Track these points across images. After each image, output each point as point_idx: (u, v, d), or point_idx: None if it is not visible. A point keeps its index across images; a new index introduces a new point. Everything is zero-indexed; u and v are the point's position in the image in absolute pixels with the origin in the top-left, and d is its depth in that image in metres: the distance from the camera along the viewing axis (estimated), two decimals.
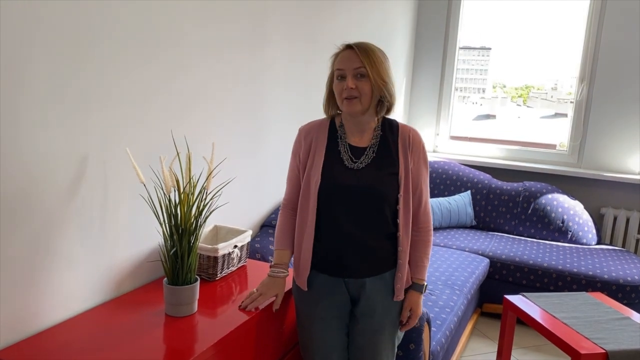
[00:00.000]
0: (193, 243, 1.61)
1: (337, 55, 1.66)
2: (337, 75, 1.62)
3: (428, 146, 4.48)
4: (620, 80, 3.73)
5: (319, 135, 1.70)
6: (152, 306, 1.68)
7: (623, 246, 3.82)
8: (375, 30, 3.61)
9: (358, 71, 1.58)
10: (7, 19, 1.29)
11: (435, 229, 3.76)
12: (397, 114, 4.25)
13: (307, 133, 1.72)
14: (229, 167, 2.23)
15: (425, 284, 1.74)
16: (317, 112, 1.80)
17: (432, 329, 2.24)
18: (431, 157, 4.30)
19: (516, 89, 5.58)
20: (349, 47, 1.62)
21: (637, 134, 3.73)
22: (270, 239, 2.45)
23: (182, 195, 1.58)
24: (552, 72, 4.97)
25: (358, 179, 1.62)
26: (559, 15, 4.28)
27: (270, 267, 1.75)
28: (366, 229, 1.64)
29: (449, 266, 2.99)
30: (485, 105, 5.66)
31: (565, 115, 4.19)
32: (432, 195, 4.04)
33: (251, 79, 2.35)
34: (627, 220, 3.78)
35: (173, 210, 1.58)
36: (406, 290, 1.72)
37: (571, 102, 4.02)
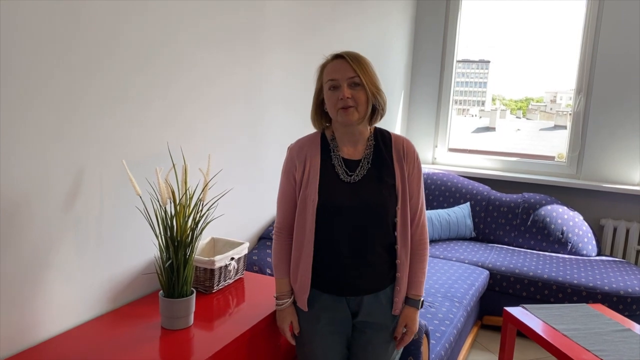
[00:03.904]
0: (189, 255, 1.60)
1: (324, 66, 1.62)
2: (329, 86, 1.56)
3: (427, 158, 4.48)
4: (617, 91, 3.75)
5: (311, 152, 1.64)
6: (148, 319, 1.67)
7: (623, 257, 3.80)
8: (372, 44, 3.64)
9: (352, 80, 1.54)
10: (7, 28, 1.30)
11: (435, 240, 3.75)
12: (396, 126, 4.27)
13: (299, 151, 1.65)
14: (226, 179, 2.23)
15: (422, 299, 1.70)
16: None
17: (431, 341, 2.22)
18: (430, 168, 4.30)
19: (515, 101, 5.61)
20: (339, 56, 1.58)
21: (636, 144, 3.73)
22: (267, 251, 2.44)
23: (177, 207, 1.58)
24: (552, 84, 4.99)
25: (356, 195, 1.59)
26: (558, 28, 4.31)
27: (275, 298, 1.70)
28: (365, 244, 1.60)
29: (448, 278, 2.97)
30: (484, 118, 5.68)
31: (565, 127, 4.20)
32: (431, 207, 4.03)
33: (248, 91, 2.36)
34: (627, 232, 3.77)
35: (169, 222, 1.57)
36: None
37: (569, 113, 4.03)
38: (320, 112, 1.66)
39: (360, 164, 1.63)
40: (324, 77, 1.60)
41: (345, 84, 1.54)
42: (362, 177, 1.61)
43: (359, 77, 1.54)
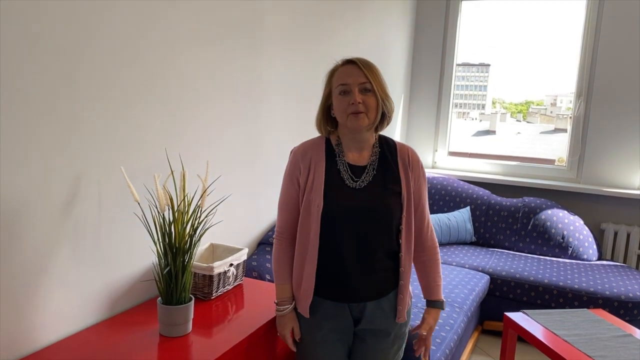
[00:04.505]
0: (187, 262, 1.60)
1: (334, 71, 1.61)
2: (340, 91, 1.55)
3: (427, 162, 4.47)
4: (617, 95, 3.74)
5: (316, 156, 1.62)
6: (146, 326, 1.66)
7: (624, 262, 3.79)
8: (372, 47, 3.63)
9: (364, 86, 1.54)
10: (7, 34, 1.30)
11: None
12: (396, 130, 4.26)
13: (303, 155, 1.63)
14: (225, 185, 2.22)
15: (443, 300, 1.76)
16: (314, 128, 1.78)
17: (432, 347, 2.21)
18: (430, 172, 4.30)
19: (516, 104, 5.60)
20: (350, 61, 1.58)
21: (636, 148, 3.72)
22: (267, 256, 2.44)
23: (176, 214, 1.58)
24: (552, 87, 4.99)
25: (362, 200, 1.57)
26: (558, 31, 4.31)
27: (276, 304, 1.68)
28: (370, 251, 1.59)
29: (448, 283, 2.96)
30: (485, 121, 5.67)
31: (565, 130, 4.20)
32: (431, 212, 4.02)
33: (247, 96, 2.36)
34: (628, 236, 3.76)
35: (167, 228, 1.57)
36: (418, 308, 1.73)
37: (570, 117, 4.03)
38: (326, 117, 1.65)
39: (366, 170, 1.61)
40: (334, 82, 1.59)
41: (356, 89, 1.53)
42: (367, 183, 1.60)
43: (370, 83, 1.54)
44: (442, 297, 1.74)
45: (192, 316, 1.64)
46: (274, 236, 1.69)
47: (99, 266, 1.68)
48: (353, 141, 1.62)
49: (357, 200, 1.58)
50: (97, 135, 1.61)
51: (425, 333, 1.73)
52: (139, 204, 1.63)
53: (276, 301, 1.68)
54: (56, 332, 1.56)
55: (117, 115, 1.67)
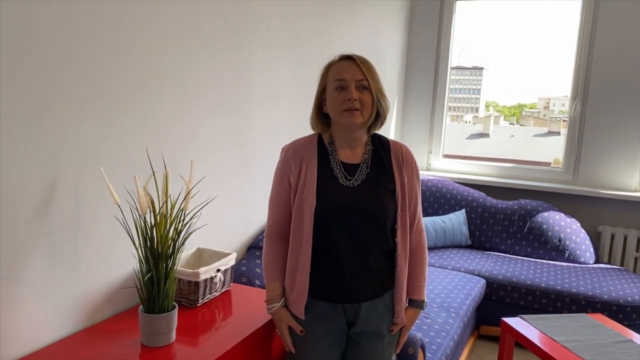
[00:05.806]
0: (170, 268, 1.52)
1: (330, 66, 1.58)
2: (336, 86, 1.52)
3: (421, 164, 4.41)
4: (613, 96, 3.70)
5: (308, 154, 1.59)
6: (127, 336, 1.58)
7: (621, 265, 3.73)
8: (366, 50, 3.57)
9: (360, 83, 1.51)
10: None
11: (430, 248, 3.67)
12: (390, 133, 4.20)
13: (295, 152, 1.60)
14: (210, 186, 2.14)
15: (425, 300, 1.70)
16: (305, 125, 1.72)
17: (427, 354, 2.14)
18: (424, 175, 4.23)
19: (509, 107, 5.59)
20: (347, 57, 1.55)
21: (633, 150, 3.68)
22: (257, 261, 2.36)
23: (157, 217, 1.50)
24: (545, 91, 4.98)
25: (356, 198, 1.54)
26: (551, 35, 4.28)
27: (266, 302, 1.65)
28: (365, 250, 1.55)
29: (444, 287, 2.89)
30: (478, 124, 5.65)
31: (558, 133, 4.16)
32: (426, 214, 3.95)
33: (234, 93, 2.29)
34: (625, 238, 3.71)
35: (149, 232, 1.49)
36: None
37: (564, 119, 3.98)
38: (321, 113, 1.61)
39: (359, 169, 1.58)
40: (330, 77, 1.56)
41: (353, 85, 1.50)
42: (361, 182, 1.56)
43: (367, 81, 1.52)
44: (424, 297, 1.69)
45: (175, 325, 1.56)
46: (264, 234, 1.66)
47: (77, 272, 1.60)
48: (345, 139, 1.59)
49: (351, 199, 1.54)
50: (75, 134, 1.53)
51: (394, 331, 1.66)
52: (119, 206, 1.55)
53: (266, 300, 1.65)
54: (30, 343, 1.47)
55: (96, 113, 1.59)
